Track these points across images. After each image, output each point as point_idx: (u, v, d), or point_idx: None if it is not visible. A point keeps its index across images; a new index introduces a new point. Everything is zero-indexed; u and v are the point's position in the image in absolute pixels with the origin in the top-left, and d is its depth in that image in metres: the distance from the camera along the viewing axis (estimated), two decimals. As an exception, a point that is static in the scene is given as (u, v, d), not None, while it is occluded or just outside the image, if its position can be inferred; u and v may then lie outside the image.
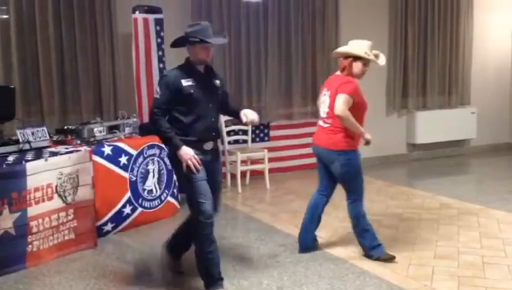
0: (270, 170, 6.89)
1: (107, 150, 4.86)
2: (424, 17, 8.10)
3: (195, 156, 3.50)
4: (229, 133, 6.89)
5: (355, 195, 4.16)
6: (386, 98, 8.13)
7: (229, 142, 6.88)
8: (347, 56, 4.11)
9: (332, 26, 7.47)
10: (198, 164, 3.50)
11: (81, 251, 4.54)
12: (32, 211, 4.18)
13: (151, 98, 5.68)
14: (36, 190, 4.21)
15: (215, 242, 3.61)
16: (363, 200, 4.21)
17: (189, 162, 3.47)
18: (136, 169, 5.14)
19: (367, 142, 4.10)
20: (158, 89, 3.60)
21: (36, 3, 5.79)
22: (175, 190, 5.62)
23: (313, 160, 7.57)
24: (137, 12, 5.74)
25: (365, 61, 4.09)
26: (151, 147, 5.29)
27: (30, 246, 4.19)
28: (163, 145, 5.40)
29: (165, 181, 5.46)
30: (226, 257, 4.35)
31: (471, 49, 8.48)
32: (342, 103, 3.94)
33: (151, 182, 5.31)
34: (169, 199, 5.53)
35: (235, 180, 6.61)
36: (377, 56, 4.16)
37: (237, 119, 3.86)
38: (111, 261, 4.40)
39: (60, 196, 4.41)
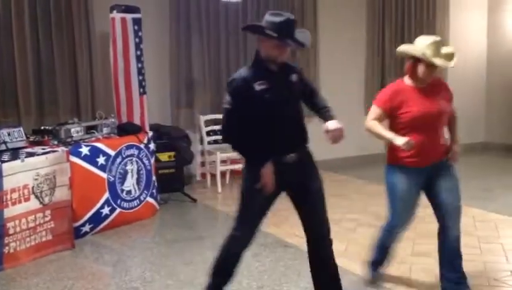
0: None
1: (84, 150, 4.82)
2: (401, 18, 8.19)
3: (273, 181, 2.97)
4: (208, 133, 6.88)
5: (389, 216, 3.59)
6: (364, 98, 8.19)
7: (209, 142, 6.87)
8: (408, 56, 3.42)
9: (311, 28, 7.50)
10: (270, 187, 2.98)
11: (58, 252, 4.50)
12: (8, 212, 4.13)
13: (129, 98, 5.70)
14: (13, 191, 4.16)
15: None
16: (392, 228, 3.59)
17: (266, 186, 2.97)
18: (114, 169, 5.10)
19: (408, 147, 3.25)
20: (228, 98, 3.00)
21: (12, 5, 5.72)
22: (154, 191, 5.60)
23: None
24: (114, 11, 5.69)
25: (427, 63, 3.31)
26: (129, 147, 5.26)
27: (7, 247, 4.14)
28: (141, 146, 5.39)
29: (144, 181, 5.44)
30: (205, 257, 4.35)
31: (447, 49, 8.58)
32: (369, 115, 3.48)
33: (129, 183, 5.28)
34: (149, 199, 5.50)
35: (215, 180, 6.61)
36: (446, 56, 3.37)
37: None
38: (89, 262, 4.37)
39: (36, 197, 4.36)
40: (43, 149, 4.67)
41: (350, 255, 4.31)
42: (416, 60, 3.33)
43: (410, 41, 8.54)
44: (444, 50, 3.35)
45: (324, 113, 3.13)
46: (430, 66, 3.30)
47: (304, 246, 4.48)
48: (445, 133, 3.50)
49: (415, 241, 4.53)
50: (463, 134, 9.02)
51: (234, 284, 3.74)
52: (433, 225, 3.52)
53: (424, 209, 3.58)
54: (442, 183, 3.42)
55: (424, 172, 3.40)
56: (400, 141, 3.23)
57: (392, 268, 3.88)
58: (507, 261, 4.13)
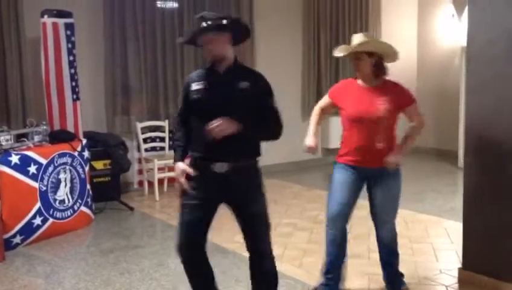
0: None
1: (14, 159, 4.66)
2: (336, 25, 8.38)
3: (183, 181, 2.90)
4: (145, 140, 6.79)
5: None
6: (301, 104, 8.32)
7: (146, 150, 6.78)
8: None
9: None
10: (187, 188, 2.90)
11: (-13, 265, 4.33)
12: None
13: (62, 105, 5.56)
14: None
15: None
16: (328, 222, 3.58)
17: (176, 181, 2.95)
18: (46, 178, 4.95)
19: (305, 150, 3.46)
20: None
21: None
22: (89, 199, 5.47)
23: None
24: (46, 16, 5.54)
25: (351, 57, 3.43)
26: (62, 155, 5.12)
27: None
28: (75, 154, 5.26)
29: (77, 190, 5.31)
30: (142, 266, 4.29)
31: (379, 57, 8.85)
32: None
33: (62, 192, 5.14)
34: (83, 208, 5.37)
35: (153, 188, 6.53)
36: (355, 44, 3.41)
37: None
38: (20, 274, 4.21)
39: (-38, 208, 4.18)
40: (-30, 158, 4.48)
41: (287, 259, 4.35)
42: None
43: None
44: (355, 40, 3.38)
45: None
46: (354, 60, 3.39)
47: (242, 252, 4.52)
48: (384, 140, 3.37)
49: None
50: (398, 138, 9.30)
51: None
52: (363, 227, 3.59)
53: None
54: (378, 192, 3.47)
55: (362, 172, 3.42)
56: (307, 140, 3.45)
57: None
58: (437, 261, 4.29)
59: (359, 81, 3.47)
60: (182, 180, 2.90)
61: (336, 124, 8.30)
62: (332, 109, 3.61)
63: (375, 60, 3.36)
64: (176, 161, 2.97)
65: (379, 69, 3.39)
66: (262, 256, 3.06)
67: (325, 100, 3.62)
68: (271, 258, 3.08)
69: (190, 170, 2.90)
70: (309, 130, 3.56)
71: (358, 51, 3.35)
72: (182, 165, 2.92)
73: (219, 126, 2.72)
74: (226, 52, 2.89)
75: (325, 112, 3.66)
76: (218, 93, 2.88)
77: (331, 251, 3.55)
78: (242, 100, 2.86)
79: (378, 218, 3.52)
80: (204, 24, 2.82)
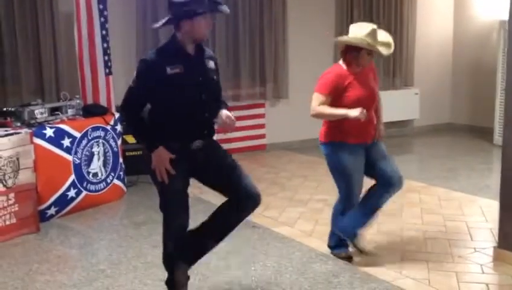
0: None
1: (49, 132, 4.72)
2: (369, 2, 8.19)
3: (169, 166, 2.89)
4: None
5: (340, 194, 3.79)
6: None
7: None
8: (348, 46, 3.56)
9: (279, 7, 7.46)
10: (170, 172, 2.91)
11: (23, 235, 4.42)
12: (-30, 195, 4.03)
13: (95, 79, 5.60)
14: (-26, 173, 4.06)
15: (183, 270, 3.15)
16: (345, 204, 3.73)
17: (158, 171, 2.92)
18: (80, 152, 5.01)
19: (363, 116, 3.41)
20: (134, 76, 2.93)
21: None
22: (121, 173, 5.53)
23: (261, 141, 7.74)
24: (79, -10, 5.55)
25: (369, 51, 3.52)
26: (95, 129, 5.17)
27: (-31, 231, 4.05)
28: (108, 127, 5.31)
29: (110, 164, 5.37)
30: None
31: (414, 32, 8.65)
32: (312, 102, 3.57)
33: (96, 165, 5.20)
34: (116, 181, 5.44)
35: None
36: (382, 44, 3.55)
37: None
38: (54, 245, 4.30)
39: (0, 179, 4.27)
40: (6, 131, 4.54)
41: (318, 234, 4.33)
42: (358, 49, 3.49)
43: (378, 24, 8.55)
44: (380, 38, 3.55)
45: (220, 104, 3.10)
46: (371, 54, 3.53)
47: (272, 226, 4.53)
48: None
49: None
50: (430, 115, 9.16)
51: (202, 265, 3.74)
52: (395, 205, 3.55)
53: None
54: (377, 155, 3.68)
55: (364, 149, 3.64)
56: (354, 112, 3.38)
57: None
58: (471, 239, 4.21)
59: (345, 67, 3.59)
60: (169, 166, 2.89)
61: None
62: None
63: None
64: (153, 147, 2.91)
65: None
66: (259, 195, 3.05)
67: (321, 100, 3.53)
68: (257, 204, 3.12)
69: (171, 155, 2.91)
70: (337, 111, 3.50)
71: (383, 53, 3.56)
72: (167, 153, 2.89)
73: (230, 119, 2.98)
74: None
75: None
76: (195, 76, 2.93)
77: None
78: (213, 80, 3.04)
79: (394, 176, 3.66)
80: (221, 6, 2.88)
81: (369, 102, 3.59)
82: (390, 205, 4.60)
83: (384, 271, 3.63)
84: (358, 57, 3.51)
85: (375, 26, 3.55)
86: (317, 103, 3.53)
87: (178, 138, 2.94)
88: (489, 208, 4.67)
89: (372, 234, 4.28)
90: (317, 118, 3.63)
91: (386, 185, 3.65)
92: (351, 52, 3.53)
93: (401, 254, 3.91)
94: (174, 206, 3.06)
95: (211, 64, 3.04)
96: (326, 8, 7.95)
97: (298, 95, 7.58)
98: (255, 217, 4.72)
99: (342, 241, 3.81)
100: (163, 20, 2.97)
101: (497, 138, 7.14)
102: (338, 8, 8.03)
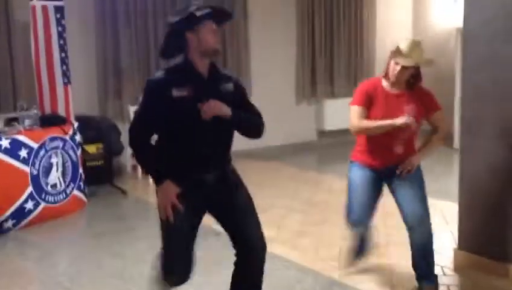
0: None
1: (4, 143, 4.60)
2: (330, 6, 8.29)
3: (176, 201, 2.56)
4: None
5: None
6: (295, 87, 8.28)
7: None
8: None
9: (240, 20, 7.49)
10: (176, 211, 2.58)
11: (-22, 250, 4.29)
12: None
13: (53, 88, 5.49)
14: None
15: None
16: (348, 221, 3.50)
17: (163, 207, 2.58)
18: (37, 163, 4.90)
19: (411, 121, 3.12)
20: (140, 99, 2.63)
21: None
22: (81, 183, 5.42)
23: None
24: (35, -1, 5.45)
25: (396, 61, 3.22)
26: (53, 139, 5.07)
27: None
28: (66, 137, 5.20)
29: (70, 174, 5.26)
30: (136, 248, 4.25)
31: (374, 38, 8.79)
32: (351, 118, 3.29)
33: (54, 176, 5.09)
34: (75, 192, 5.33)
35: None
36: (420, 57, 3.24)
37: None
38: (12, 258, 4.19)
39: (-48, 192, 4.13)
40: (-41, 142, 4.42)
41: (281, 241, 4.32)
42: (390, 57, 3.23)
43: (339, 30, 8.59)
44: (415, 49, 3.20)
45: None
46: (400, 66, 3.15)
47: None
48: (403, 147, 3.31)
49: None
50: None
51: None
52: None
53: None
54: (401, 190, 3.33)
55: (380, 173, 3.33)
56: (401, 120, 3.09)
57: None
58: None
59: (385, 84, 3.30)
60: (176, 201, 2.57)
61: (331, 107, 8.33)
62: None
63: (415, 70, 3.24)
64: (159, 180, 2.58)
65: (416, 79, 3.29)
66: (264, 245, 2.80)
67: (358, 113, 3.24)
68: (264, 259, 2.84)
69: (179, 190, 2.59)
70: (386, 122, 3.15)
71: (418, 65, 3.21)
72: (174, 187, 2.57)
73: (213, 107, 2.50)
74: None
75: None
76: (206, 100, 2.52)
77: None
78: (229, 105, 2.57)
79: (411, 215, 3.29)
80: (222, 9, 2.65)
81: (395, 130, 3.17)
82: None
83: (347, 276, 3.64)
84: (389, 67, 3.23)
85: (418, 39, 3.30)
86: (357, 117, 3.24)
87: (187, 171, 2.62)
88: (450, 211, 4.73)
89: (337, 238, 4.29)
90: (363, 133, 3.29)
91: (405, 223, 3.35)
92: (388, 62, 3.27)
93: (364, 258, 3.92)
94: (175, 252, 2.71)
95: (228, 86, 2.65)
96: (287, 16, 8.03)
97: (262, 101, 7.56)
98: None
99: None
100: (167, 44, 2.63)
101: (457, 142, 7.28)
102: (299, 17, 8.12)
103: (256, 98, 7.51)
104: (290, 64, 8.11)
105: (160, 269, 2.75)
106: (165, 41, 2.63)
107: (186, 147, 2.58)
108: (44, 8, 5.43)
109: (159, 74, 2.59)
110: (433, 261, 3.41)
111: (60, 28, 5.52)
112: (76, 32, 6.22)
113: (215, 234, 4.42)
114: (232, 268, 3.41)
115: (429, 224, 3.34)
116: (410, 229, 3.32)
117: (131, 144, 2.67)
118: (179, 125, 2.56)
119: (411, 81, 3.28)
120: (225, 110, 2.54)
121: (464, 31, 3.71)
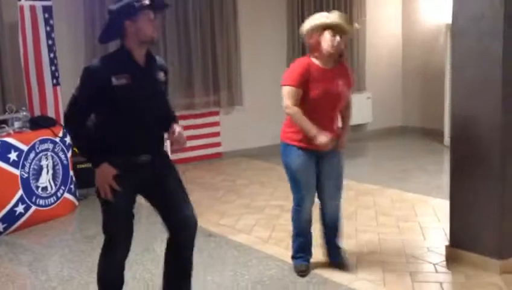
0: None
1: (-7, 146, 4.56)
2: (320, 4, 8.23)
3: (113, 183, 2.69)
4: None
5: (293, 196, 3.66)
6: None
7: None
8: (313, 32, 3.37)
9: (230, 13, 7.45)
10: (115, 190, 2.71)
11: (-32, 255, 4.25)
12: None
13: (42, 90, 5.44)
14: None
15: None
16: (300, 205, 3.64)
17: (101, 187, 2.71)
18: (27, 165, 4.86)
19: (325, 147, 3.34)
20: (78, 84, 2.72)
21: None
22: (72, 186, 5.38)
23: (217, 150, 7.69)
24: (23, -1, 5.40)
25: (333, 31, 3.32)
26: (43, 141, 5.02)
27: None
28: (57, 140, 5.16)
29: (60, 177, 5.22)
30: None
31: (364, 37, 8.79)
32: (284, 98, 3.38)
33: (45, 179, 5.04)
34: (66, 195, 5.29)
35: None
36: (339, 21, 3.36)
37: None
38: (2, 263, 4.14)
39: None
40: None
41: (275, 241, 4.32)
42: (320, 31, 3.32)
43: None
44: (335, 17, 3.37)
45: (171, 118, 2.93)
46: (336, 34, 3.30)
47: (228, 235, 4.49)
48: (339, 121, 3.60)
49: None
50: (383, 118, 9.28)
51: (156, 275, 3.68)
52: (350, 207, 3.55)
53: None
54: (328, 168, 3.57)
55: (316, 154, 3.47)
56: (323, 138, 3.27)
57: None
58: (424, 239, 4.28)
59: (316, 61, 3.41)
60: (114, 183, 2.69)
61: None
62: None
63: (345, 44, 3.43)
64: (98, 162, 2.70)
65: (341, 55, 3.48)
66: (196, 221, 2.93)
67: (293, 93, 3.34)
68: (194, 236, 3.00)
69: (115, 171, 2.71)
70: (309, 128, 3.32)
71: (348, 28, 3.37)
72: (111, 168, 2.69)
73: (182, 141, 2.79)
74: None
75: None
76: (144, 88, 2.73)
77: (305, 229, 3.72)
78: (163, 93, 2.86)
79: (326, 196, 3.62)
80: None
81: (333, 102, 3.41)
82: (346, 208, 4.64)
83: (340, 274, 3.64)
84: (322, 39, 3.32)
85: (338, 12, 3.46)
86: (291, 99, 3.34)
87: (124, 153, 2.75)
88: (441, 208, 4.75)
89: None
90: (292, 117, 3.42)
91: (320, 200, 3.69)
92: (314, 38, 3.34)
93: (357, 257, 3.93)
94: (117, 228, 2.86)
95: (161, 75, 2.84)
96: (277, 12, 7.99)
97: (253, 101, 7.61)
98: (211, 225, 4.70)
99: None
100: (106, 31, 2.77)
101: (447, 139, 7.30)
102: (289, 12, 8.08)
103: (249, 101, 7.66)
104: (281, 64, 8.07)
105: (104, 245, 2.94)
106: (104, 29, 2.77)
107: (123, 131, 2.73)
108: (33, 8, 5.40)
109: (96, 62, 2.72)
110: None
111: (48, 28, 5.49)
112: (64, 32, 6.17)
113: (207, 235, 4.44)
114: (228, 266, 3.41)
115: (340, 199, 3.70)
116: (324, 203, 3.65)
117: (67, 127, 2.83)
118: (116, 111, 2.70)
119: (339, 57, 3.47)
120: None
121: (453, 27, 3.71)
